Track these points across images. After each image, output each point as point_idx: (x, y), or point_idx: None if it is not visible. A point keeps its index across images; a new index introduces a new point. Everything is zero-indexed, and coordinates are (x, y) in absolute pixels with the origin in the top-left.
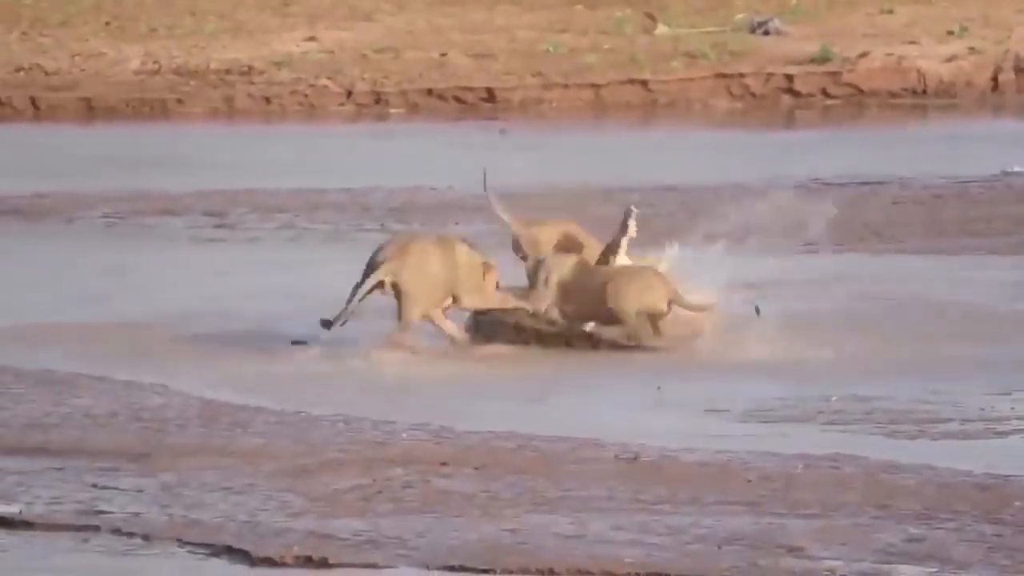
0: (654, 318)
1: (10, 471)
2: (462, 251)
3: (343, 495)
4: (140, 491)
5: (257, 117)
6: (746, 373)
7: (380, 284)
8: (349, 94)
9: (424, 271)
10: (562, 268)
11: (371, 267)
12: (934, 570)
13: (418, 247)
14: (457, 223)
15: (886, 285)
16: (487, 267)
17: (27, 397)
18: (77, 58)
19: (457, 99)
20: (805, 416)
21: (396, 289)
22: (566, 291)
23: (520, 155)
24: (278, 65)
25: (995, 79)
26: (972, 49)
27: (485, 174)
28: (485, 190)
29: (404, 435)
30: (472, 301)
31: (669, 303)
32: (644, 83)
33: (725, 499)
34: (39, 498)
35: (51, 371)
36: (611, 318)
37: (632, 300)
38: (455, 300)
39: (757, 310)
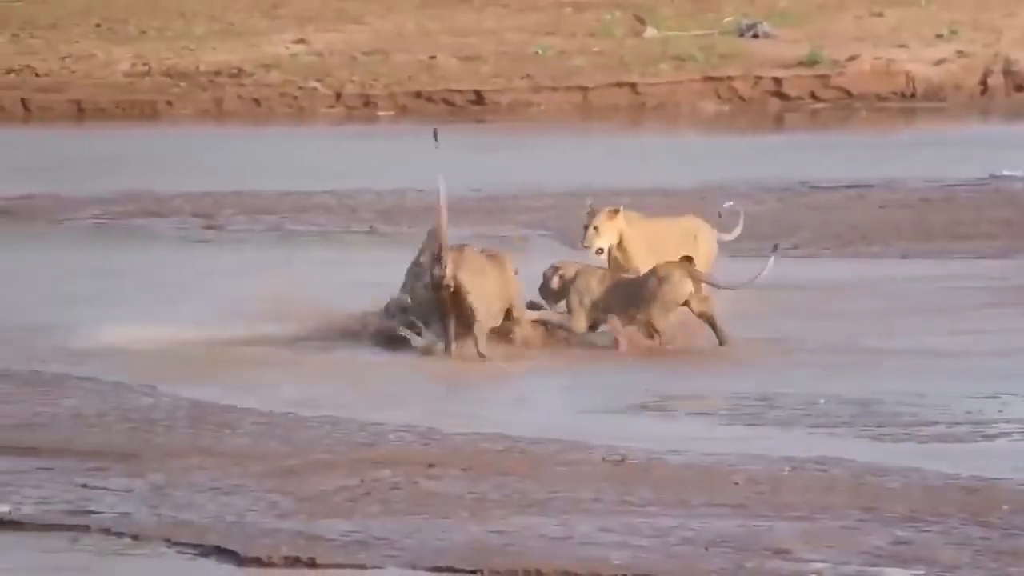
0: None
1: None
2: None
3: (331, 496)
4: (129, 491)
5: (246, 119)
6: (733, 375)
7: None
8: (338, 96)
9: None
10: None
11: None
12: (921, 573)
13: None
14: None
15: (873, 288)
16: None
17: (16, 397)
18: (67, 60)
19: (446, 101)
20: (792, 418)
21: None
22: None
23: (508, 157)
24: (267, 67)
25: (984, 82)
26: (961, 52)
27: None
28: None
29: (392, 436)
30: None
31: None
32: (632, 86)
33: (712, 501)
34: (28, 498)
35: (39, 372)
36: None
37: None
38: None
39: (775, 248)
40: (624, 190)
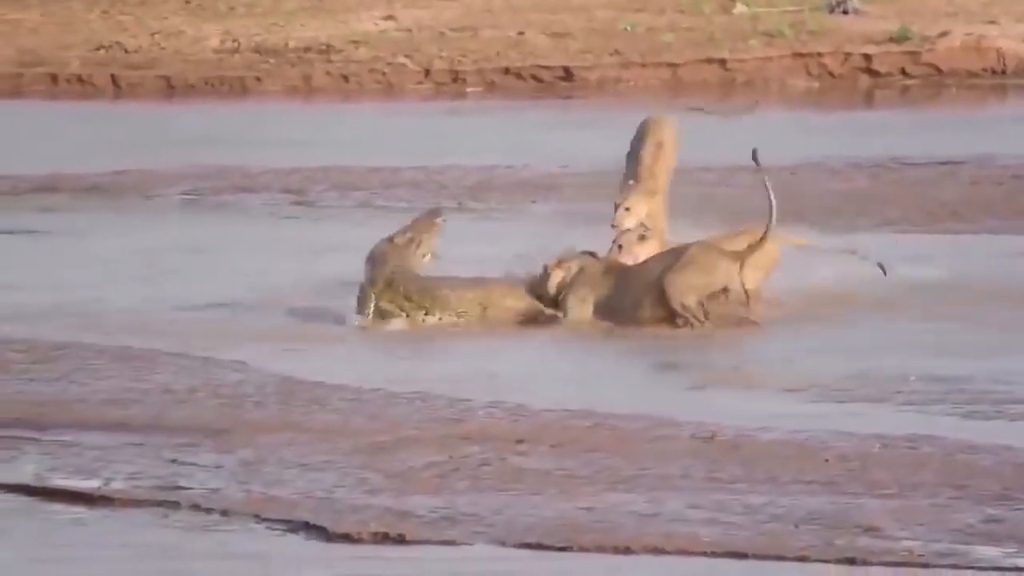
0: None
1: (90, 447)
2: None
3: (420, 472)
4: (219, 467)
5: (335, 95)
6: (822, 352)
7: None
8: (427, 72)
9: None
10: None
11: None
12: (1012, 551)
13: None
14: (534, 201)
15: (963, 265)
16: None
17: (106, 373)
18: (157, 36)
19: (534, 78)
20: (882, 396)
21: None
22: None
23: (597, 134)
24: (356, 43)
25: None
26: None
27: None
28: (758, 165)
29: (480, 413)
30: None
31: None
32: (722, 62)
33: (802, 478)
34: (118, 474)
35: (129, 347)
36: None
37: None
38: None
39: (882, 268)
40: (713, 167)
